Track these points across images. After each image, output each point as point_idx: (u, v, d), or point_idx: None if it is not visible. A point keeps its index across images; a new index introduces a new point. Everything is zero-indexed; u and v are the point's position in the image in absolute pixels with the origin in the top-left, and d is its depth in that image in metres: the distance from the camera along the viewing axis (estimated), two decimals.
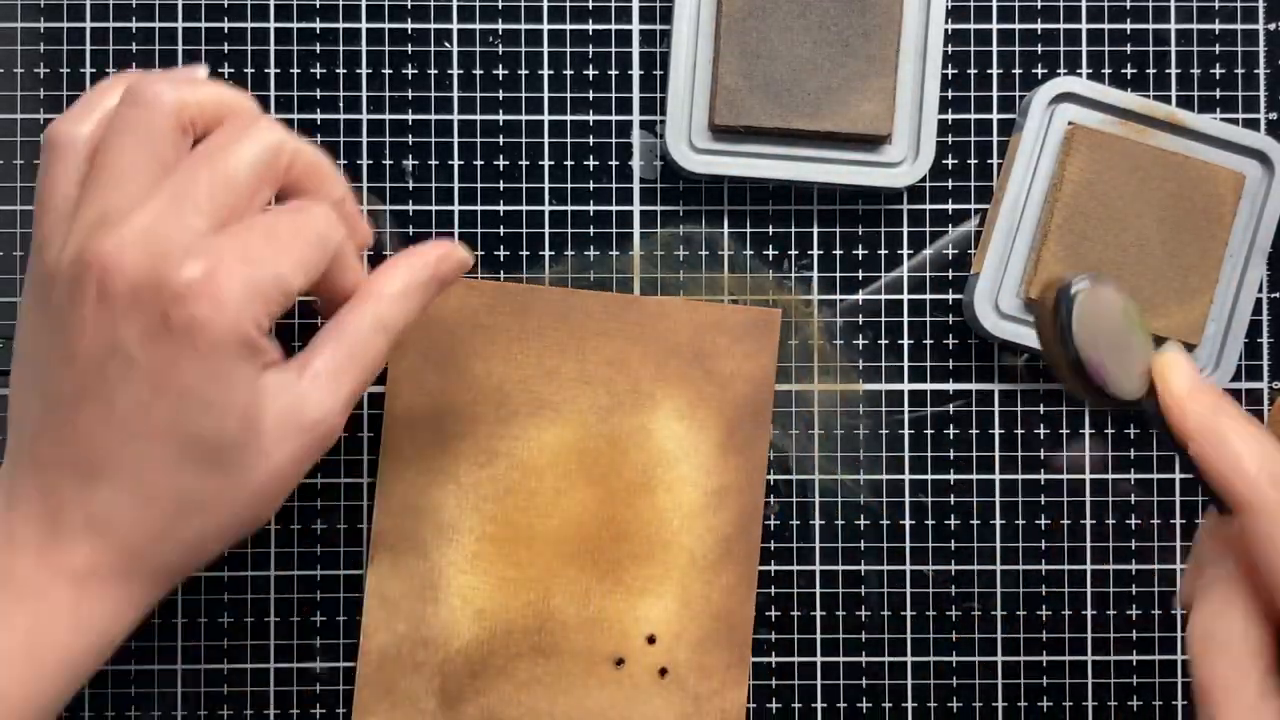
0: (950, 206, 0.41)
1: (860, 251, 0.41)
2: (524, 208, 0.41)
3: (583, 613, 0.39)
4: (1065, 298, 0.30)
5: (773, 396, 0.40)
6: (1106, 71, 0.41)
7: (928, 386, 0.41)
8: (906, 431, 0.41)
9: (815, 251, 0.41)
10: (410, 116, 0.41)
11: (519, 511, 0.39)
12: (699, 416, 0.40)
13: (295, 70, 0.40)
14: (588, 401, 0.40)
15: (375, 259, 0.40)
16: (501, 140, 0.41)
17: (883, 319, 0.41)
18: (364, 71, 0.41)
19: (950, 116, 0.41)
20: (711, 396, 0.40)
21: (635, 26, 0.41)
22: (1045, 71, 0.41)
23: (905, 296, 0.41)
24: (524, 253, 0.41)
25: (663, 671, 0.40)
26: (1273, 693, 0.28)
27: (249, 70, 0.40)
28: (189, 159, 0.30)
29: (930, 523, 0.41)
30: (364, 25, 0.41)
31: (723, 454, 0.40)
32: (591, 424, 0.40)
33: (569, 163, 0.41)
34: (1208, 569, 0.30)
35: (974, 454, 0.41)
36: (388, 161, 0.41)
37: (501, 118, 0.41)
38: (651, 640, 0.40)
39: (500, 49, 0.41)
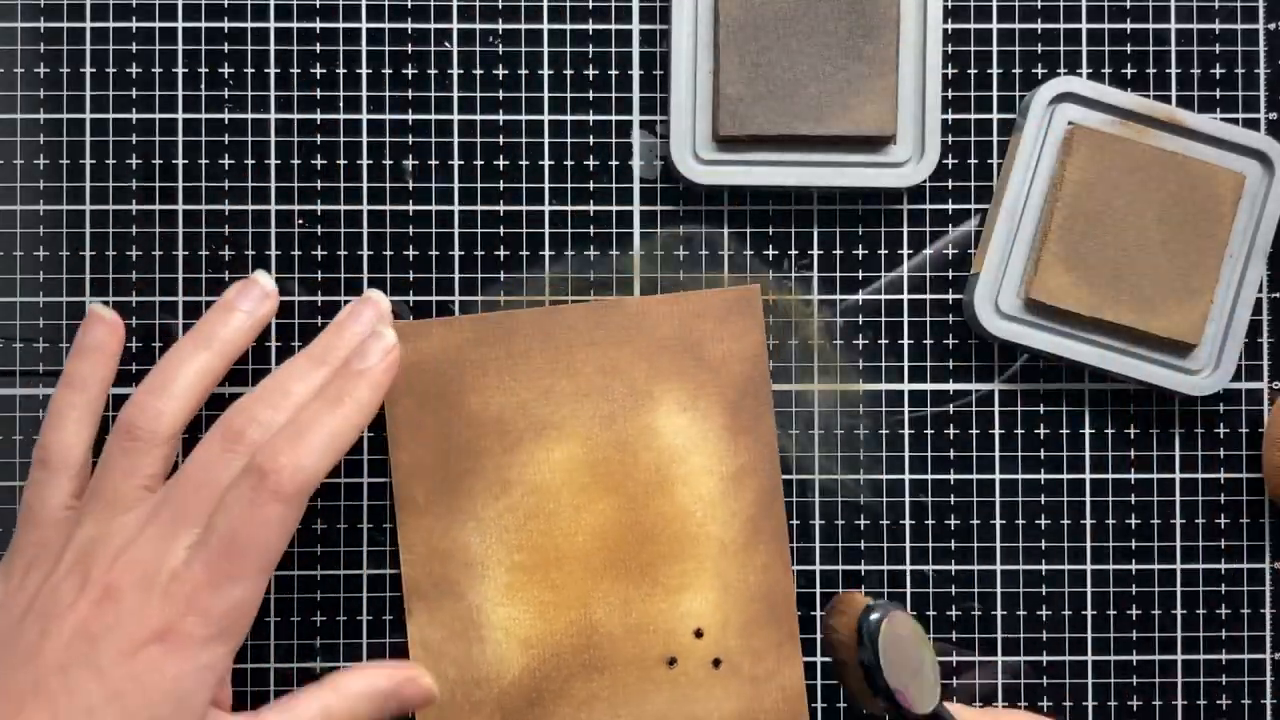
0: (950, 206, 0.41)
1: (860, 251, 0.41)
2: (524, 208, 0.41)
3: (626, 621, 0.39)
4: (866, 626, 0.34)
5: (769, 371, 0.40)
6: (1106, 71, 0.41)
7: (928, 386, 0.41)
8: (906, 431, 0.41)
9: (815, 251, 0.41)
10: (410, 116, 0.41)
11: (543, 535, 0.39)
12: (701, 405, 0.40)
13: (295, 70, 0.40)
14: (589, 413, 0.40)
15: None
16: (501, 140, 0.41)
17: (883, 319, 0.41)
18: (364, 71, 0.41)
19: (950, 116, 0.41)
20: (708, 383, 0.40)
21: (635, 26, 0.41)
22: (1045, 71, 0.41)
23: (905, 296, 0.41)
24: (524, 253, 0.41)
25: (716, 662, 0.40)
26: None
27: (249, 70, 0.40)
28: (178, 485, 0.34)
29: (930, 523, 0.41)
30: (364, 25, 0.41)
31: (731, 437, 0.40)
32: (597, 435, 0.40)
33: (569, 163, 0.41)
34: None
35: (974, 454, 0.41)
36: (388, 161, 0.41)
37: (501, 118, 0.41)
38: (699, 634, 0.39)
39: (500, 49, 0.41)
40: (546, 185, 0.41)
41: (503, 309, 0.40)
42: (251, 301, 0.38)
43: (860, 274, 0.41)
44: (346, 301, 0.40)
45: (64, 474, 0.36)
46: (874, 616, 0.34)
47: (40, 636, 0.33)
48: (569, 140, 0.41)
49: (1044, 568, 0.41)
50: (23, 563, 0.35)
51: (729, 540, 0.40)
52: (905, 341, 0.41)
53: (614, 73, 0.41)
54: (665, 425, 0.40)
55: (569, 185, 0.41)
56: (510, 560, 0.39)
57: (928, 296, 0.41)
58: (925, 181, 0.41)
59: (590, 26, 0.41)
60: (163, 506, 0.34)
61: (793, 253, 0.41)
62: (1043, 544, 0.41)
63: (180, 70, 0.40)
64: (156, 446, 0.35)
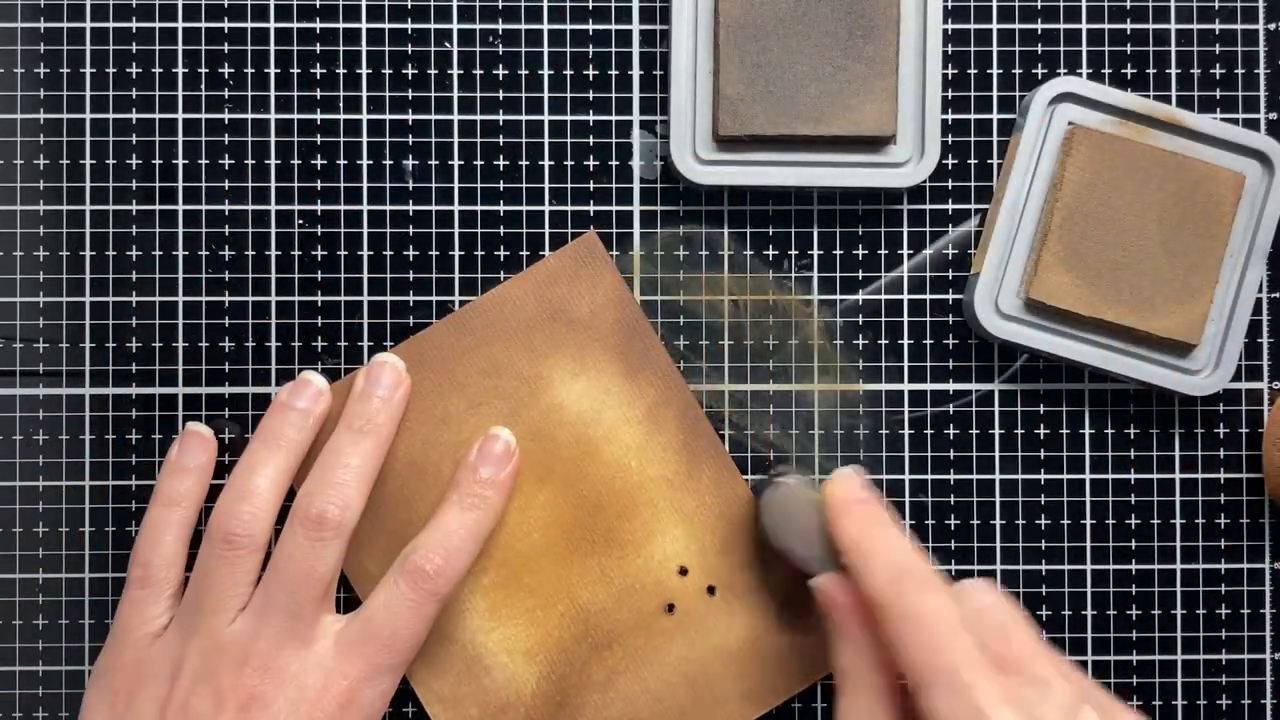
0: (950, 206, 0.41)
1: (860, 251, 0.41)
2: (524, 208, 0.41)
3: (612, 590, 0.40)
4: (757, 492, 0.38)
5: (638, 302, 0.40)
6: (1106, 71, 0.41)
7: (928, 386, 0.41)
8: (906, 431, 0.41)
9: (815, 251, 0.41)
10: (410, 116, 0.41)
11: (501, 549, 0.39)
12: (590, 364, 0.40)
13: (295, 70, 0.40)
14: (490, 419, 0.40)
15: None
16: (501, 140, 0.41)
17: (883, 319, 0.41)
18: (364, 71, 0.41)
19: (950, 116, 0.41)
20: (588, 340, 0.40)
21: (635, 26, 0.41)
22: (1045, 71, 0.41)
23: (905, 296, 0.41)
24: (524, 253, 0.41)
25: (711, 589, 0.40)
26: None
27: (249, 70, 0.40)
28: (278, 584, 0.36)
29: (931, 523, 0.41)
30: (364, 25, 0.41)
31: (631, 379, 0.40)
32: (542, 429, 0.40)
33: (569, 163, 0.41)
34: (846, 657, 0.35)
35: (974, 454, 0.41)
36: (388, 161, 0.41)
37: (501, 118, 0.41)
38: (684, 572, 0.40)
39: (500, 49, 0.41)
40: (546, 185, 0.41)
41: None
42: (307, 400, 0.38)
43: (860, 274, 0.41)
44: (346, 302, 0.40)
45: (166, 591, 0.37)
46: (766, 485, 0.38)
47: None
48: (569, 140, 0.41)
49: (1044, 568, 0.41)
50: (124, 684, 0.36)
51: (671, 474, 0.40)
52: (905, 341, 0.41)
53: (614, 73, 0.41)
54: (566, 397, 0.40)
55: (569, 185, 0.41)
56: (481, 585, 0.39)
57: (928, 296, 0.41)
58: (925, 181, 0.41)
59: (590, 26, 0.41)
60: (268, 608, 0.36)
61: (793, 253, 0.41)
62: (1043, 544, 0.41)
63: (180, 70, 0.40)
64: (254, 552, 0.37)
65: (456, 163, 0.41)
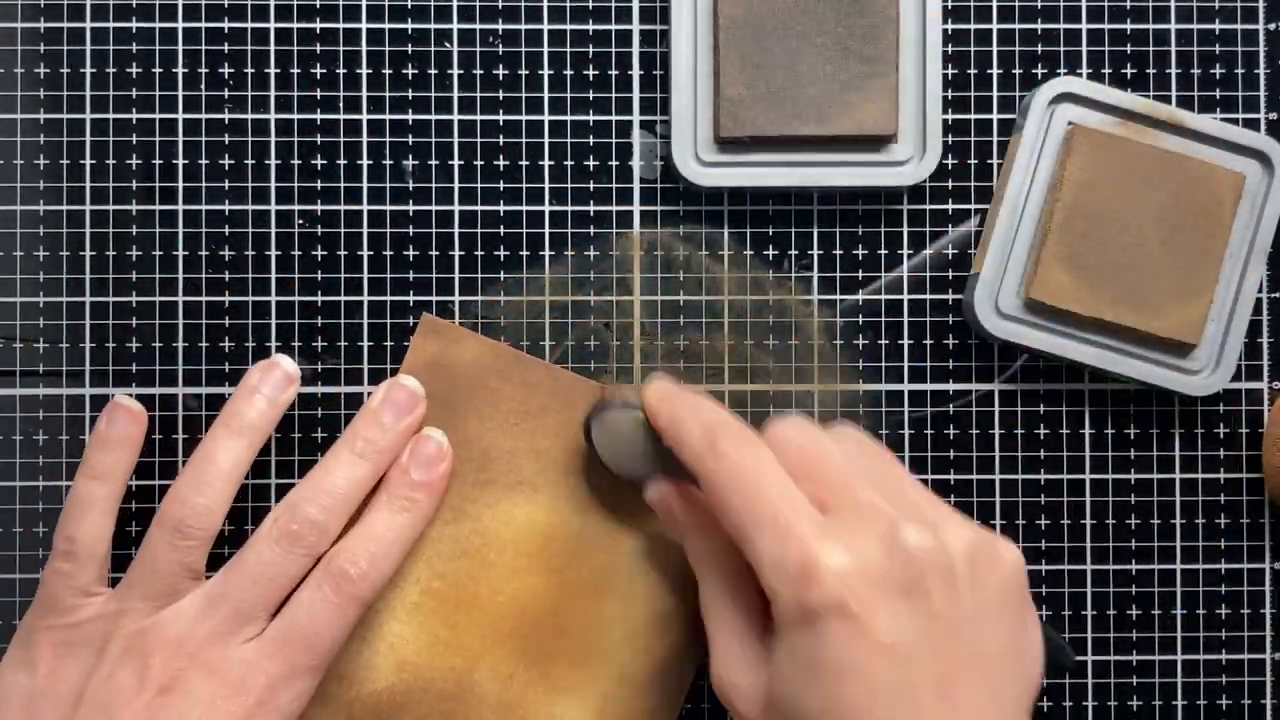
0: (950, 206, 0.41)
1: (860, 251, 0.41)
2: (524, 208, 0.41)
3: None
4: (587, 433, 0.38)
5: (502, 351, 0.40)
6: (1106, 71, 0.41)
7: (928, 386, 0.41)
8: (906, 431, 0.41)
9: (815, 251, 0.41)
10: (410, 116, 0.41)
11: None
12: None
13: (295, 70, 0.40)
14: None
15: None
16: (501, 140, 0.41)
17: (883, 319, 0.41)
18: (364, 71, 0.41)
19: (950, 116, 0.41)
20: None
21: (635, 26, 0.41)
22: (1045, 71, 0.41)
23: (905, 296, 0.41)
24: (524, 253, 0.41)
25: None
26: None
27: (249, 70, 0.40)
28: (236, 581, 0.36)
29: None
30: (364, 25, 0.41)
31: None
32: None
33: (569, 163, 0.41)
34: (694, 551, 0.36)
35: (974, 454, 0.41)
36: (388, 161, 0.41)
37: (501, 118, 0.41)
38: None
39: (500, 49, 0.41)
40: (546, 185, 0.41)
41: (502, 308, 0.40)
42: (274, 387, 0.38)
43: (860, 274, 0.41)
44: (346, 302, 0.40)
45: (90, 565, 0.37)
46: (592, 418, 0.38)
47: None
48: (569, 140, 0.41)
49: (1044, 568, 0.41)
50: (49, 651, 0.36)
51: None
52: (905, 342, 0.41)
53: (614, 73, 0.41)
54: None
55: (569, 185, 0.41)
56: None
57: (928, 296, 0.41)
58: (926, 181, 0.41)
59: (590, 26, 0.41)
60: (221, 601, 0.36)
61: (793, 252, 0.41)
62: (1043, 544, 0.41)
63: (180, 70, 0.40)
64: (205, 543, 0.36)
65: (456, 163, 0.41)
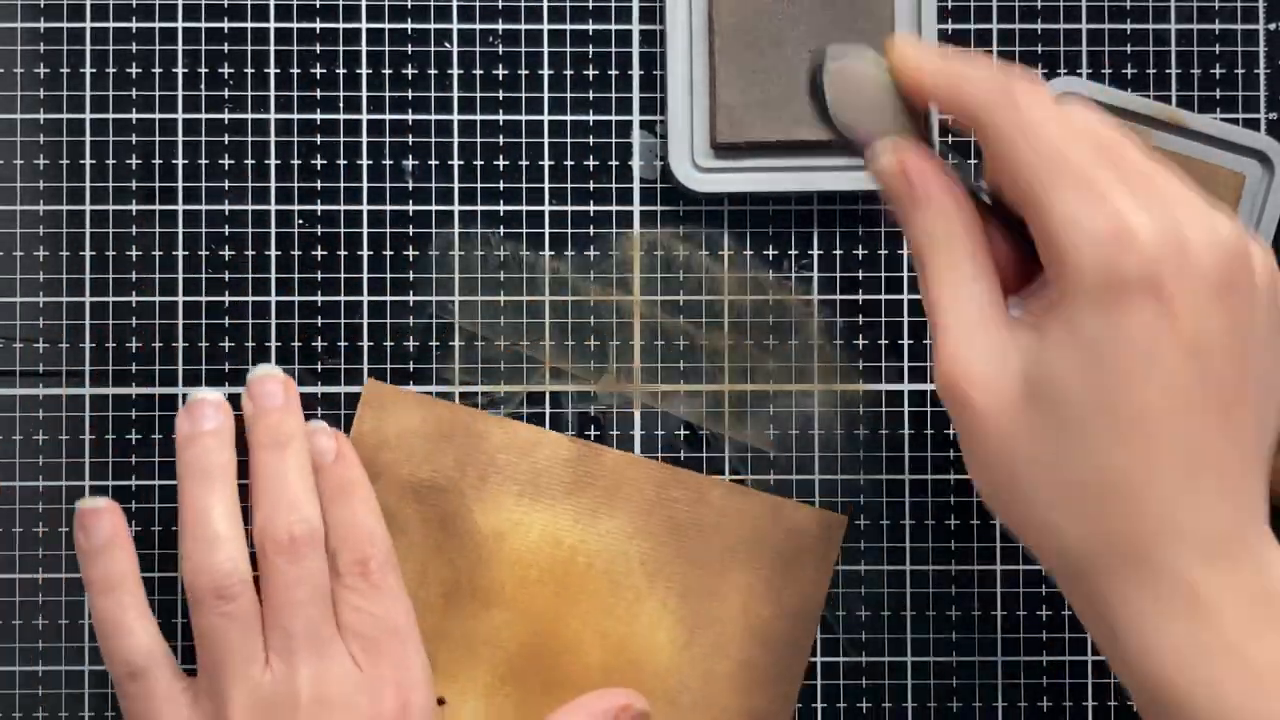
0: None
1: (860, 251, 0.41)
2: (524, 208, 0.41)
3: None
4: (818, 78, 0.32)
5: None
6: (1106, 71, 0.41)
7: (928, 387, 0.41)
8: (906, 431, 0.41)
9: (815, 251, 0.41)
10: (410, 116, 0.41)
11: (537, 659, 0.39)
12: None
13: (295, 70, 0.40)
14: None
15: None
16: (501, 140, 0.41)
17: (883, 319, 0.41)
18: (364, 71, 0.41)
19: (950, 117, 0.41)
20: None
21: (635, 26, 0.41)
22: (1045, 71, 0.41)
23: (905, 296, 0.41)
24: (524, 253, 0.41)
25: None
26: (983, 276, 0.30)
27: (249, 70, 0.40)
28: (282, 616, 0.35)
29: (930, 523, 0.41)
30: (364, 25, 0.41)
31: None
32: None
33: (569, 163, 0.41)
34: (928, 223, 0.31)
35: None
36: (388, 161, 0.41)
37: (501, 118, 0.41)
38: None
39: (500, 49, 0.41)
40: (546, 185, 0.41)
41: (502, 308, 0.40)
42: (214, 420, 0.37)
43: (860, 274, 0.41)
44: (346, 302, 0.40)
45: (162, 670, 0.36)
46: (828, 63, 0.32)
47: None
48: (569, 140, 0.41)
49: (1044, 567, 0.41)
50: None
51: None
52: (905, 341, 0.41)
53: (614, 73, 0.41)
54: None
55: (569, 185, 0.41)
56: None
57: None
58: None
59: (590, 26, 0.41)
60: (292, 643, 0.35)
61: (793, 252, 0.41)
62: None
63: (180, 70, 0.40)
64: (248, 594, 0.35)
65: (456, 163, 0.41)
